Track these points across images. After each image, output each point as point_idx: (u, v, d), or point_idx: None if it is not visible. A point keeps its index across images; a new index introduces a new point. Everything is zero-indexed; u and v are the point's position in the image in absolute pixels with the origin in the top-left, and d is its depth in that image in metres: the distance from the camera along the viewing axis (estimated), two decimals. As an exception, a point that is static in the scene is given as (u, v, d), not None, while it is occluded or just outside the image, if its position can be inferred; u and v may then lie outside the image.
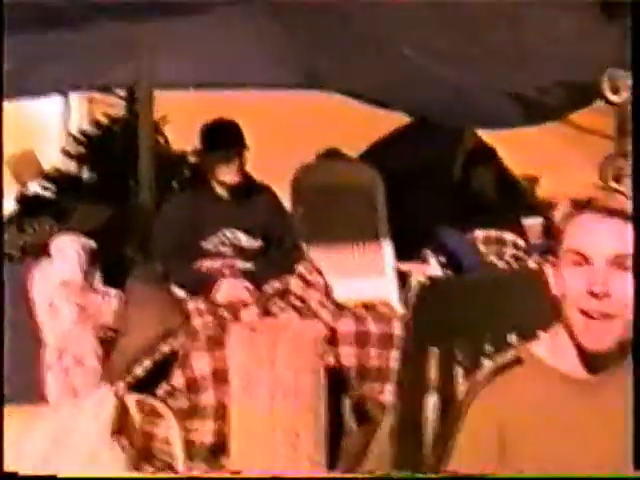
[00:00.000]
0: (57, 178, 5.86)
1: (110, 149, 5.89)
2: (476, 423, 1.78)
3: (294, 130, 6.39)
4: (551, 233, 4.64)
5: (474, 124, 5.37)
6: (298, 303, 3.95)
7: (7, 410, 2.62)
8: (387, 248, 4.91)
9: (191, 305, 3.81)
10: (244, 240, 4.09)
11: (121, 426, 3.08)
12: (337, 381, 3.61)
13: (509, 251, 4.88)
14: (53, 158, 6.23)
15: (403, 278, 4.78)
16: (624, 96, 3.08)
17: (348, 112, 5.69)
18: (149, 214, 4.78)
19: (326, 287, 4.09)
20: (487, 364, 1.93)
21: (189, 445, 3.45)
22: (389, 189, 5.02)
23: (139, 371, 3.56)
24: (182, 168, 5.76)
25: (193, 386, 3.50)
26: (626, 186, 3.01)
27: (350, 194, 4.99)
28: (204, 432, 3.48)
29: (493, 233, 4.96)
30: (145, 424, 3.41)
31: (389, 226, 4.95)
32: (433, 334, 2.36)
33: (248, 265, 4.06)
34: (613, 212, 1.73)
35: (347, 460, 3.45)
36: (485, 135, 5.51)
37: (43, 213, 4.47)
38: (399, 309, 4.24)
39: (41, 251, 3.76)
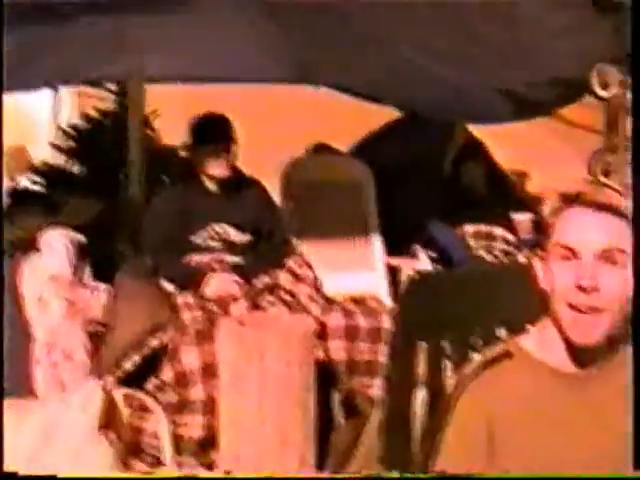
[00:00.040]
0: (47, 172, 5.86)
1: (100, 143, 5.88)
2: (465, 416, 1.78)
3: (284, 124, 6.38)
4: (540, 228, 4.64)
5: (464, 119, 5.36)
6: (288, 297, 3.95)
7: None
8: (377, 243, 4.91)
9: (180, 299, 3.80)
10: (234, 234, 4.08)
11: (109, 420, 3.08)
12: (326, 375, 3.61)
13: (499, 246, 4.90)
14: (43, 152, 6.23)
15: (393, 273, 4.79)
16: (613, 91, 3.09)
17: (338, 107, 5.69)
18: (139, 208, 4.78)
19: (316, 281, 4.09)
20: (476, 358, 1.93)
21: (178, 439, 3.45)
22: (379, 184, 5.02)
23: (128, 365, 3.55)
24: (172, 162, 5.74)
25: (182, 380, 3.50)
26: (614, 181, 3.02)
27: (340, 189, 4.99)
28: (193, 426, 3.48)
29: (483, 228, 4.97)
30: (134, 418, 3.41)
31: (379, 221, 4.95)
32: (422, 328, 2.36)
33: (237, 259, 4.05)
34: (602, 206, 1.73)
35: (336, 454, 3.45)
36: (475, 130, 5.51)
37: (33, 207, 4.45)
38: (388, 303, 4.25)
39: (30, 246, 3.75)
